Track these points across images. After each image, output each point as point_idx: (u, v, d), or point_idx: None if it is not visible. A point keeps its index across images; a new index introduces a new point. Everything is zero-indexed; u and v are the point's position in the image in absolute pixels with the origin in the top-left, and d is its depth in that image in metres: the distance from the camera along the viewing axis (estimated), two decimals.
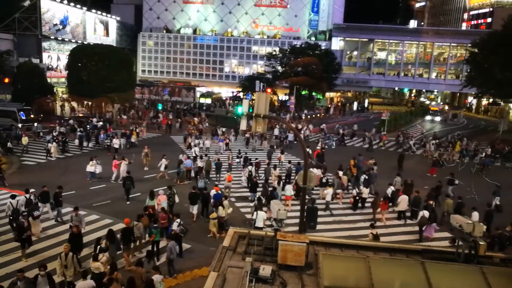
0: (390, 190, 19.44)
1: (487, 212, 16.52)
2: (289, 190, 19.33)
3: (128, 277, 10.73)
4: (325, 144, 33.79)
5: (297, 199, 18.77)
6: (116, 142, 29.03)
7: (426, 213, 16.48)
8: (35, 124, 34.58)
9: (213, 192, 17.97)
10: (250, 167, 22.60)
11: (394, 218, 19.02)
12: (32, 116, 36.71)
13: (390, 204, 19.25)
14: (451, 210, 17.42)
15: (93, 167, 22.13)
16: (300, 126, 40.32)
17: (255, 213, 15.63)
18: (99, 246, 12.38)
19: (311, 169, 20.65)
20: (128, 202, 19.35)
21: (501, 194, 19.85)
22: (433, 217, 16.72)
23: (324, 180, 20.78)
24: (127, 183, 19.44)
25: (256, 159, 25.48)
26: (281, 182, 20.57)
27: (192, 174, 23.47)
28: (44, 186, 17.30)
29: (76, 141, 30.42)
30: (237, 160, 25.96)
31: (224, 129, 38.22)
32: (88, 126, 35.19)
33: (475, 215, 15.91)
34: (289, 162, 24.64)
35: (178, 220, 14.26)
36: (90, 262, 11.69)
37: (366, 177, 21.31)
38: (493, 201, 19.07)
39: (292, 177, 22.13)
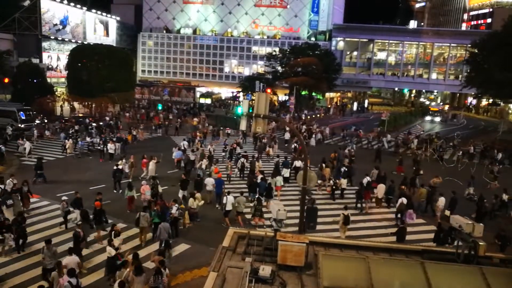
0: (366, 180, 20.62)
1: (452, 199, 18.65)
2: (280, 181, 20.80)
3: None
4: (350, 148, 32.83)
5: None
6: (111, 147, 27.13)
7: (404, 200, 18.16)
8: (55, 122, 36.19)
9: (210, 180, 19.59)
10: (242, 159, 24.52)
11: (393, 218, 19.09)
12: (32, 116, 36.76)
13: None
14: (424, 198, 19.78)
15: (125, 166, 22.56)
16: (313, 128, 39.57)
17: (224, 197, 17.41)
18: (113, 232, 13.25)
19: (295, 161, 24.30)
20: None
21: (474, 184, 21.87)
22: (410, 204, 18.34)
23: None
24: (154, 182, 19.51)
25: (245, 151, 27.58)
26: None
27: (182, 164, 25.09)
28: (77, 192, 16.92)
29: (88, 139, 30.40)
30: (223, 153, 27.71)
31: (229, 131, 37.69)
32: (101, 124, 37.05)
33: (442, 200, 18.63)
34: (277, 156, 27.54)
35: (177, 205, 15.72)
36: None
37: (346, 169, 23.32)
38: (466, 191, 21.33)
39: (281, 170, 23.42)
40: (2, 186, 16.96)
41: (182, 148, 27.41)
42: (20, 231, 13.99)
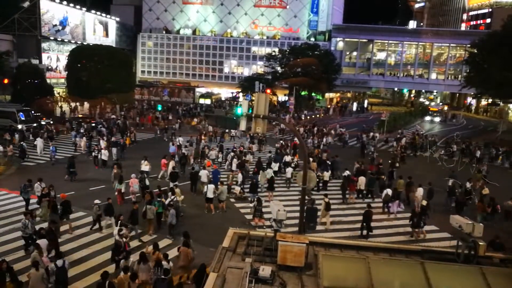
0: (346, 173, 22.40)
1: (429, 190, 20.19)
2: (270, 173, 22.38)
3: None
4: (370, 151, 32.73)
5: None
6: (104, 154, 25.72)
7: (389, 191, 19.75)
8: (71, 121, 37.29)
9: (205, 172, 20.98)
10: (232, 153, 26.29)
11: (394, 218, 19.16)
12: (31, 116, 36.73)
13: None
14: (402, 188, 20.88)
15: (147, 166, 22.78)
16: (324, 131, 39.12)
17: (205, 186, 19.17)
18: (119, 221, 14.17)
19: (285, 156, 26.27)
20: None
21: (455, 177, 22.86)
22: (396, 195, 19.82)
23: (292, 164, 25.18)
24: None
25: (234, 147, 29.06)
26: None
27: (176, 158, 25.78)
28: (108, 198, 16.70)
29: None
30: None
31: (235, 132, 37.00)
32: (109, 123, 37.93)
33: (420, 190, 19.90)
34: (269, 152, 29.75)
35: (172, 196, 17.15)
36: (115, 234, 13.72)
37: (330, 163, 25.48)
38: (448, 183, 22.19)
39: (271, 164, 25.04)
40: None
41: (177, 144, 29.09)
42: (53, 240, 13.34)
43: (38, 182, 18.01)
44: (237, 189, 21.22)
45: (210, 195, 18.57)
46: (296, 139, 30.90)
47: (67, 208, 16.14)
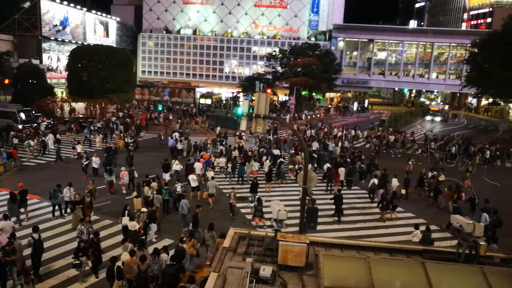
0: (325, 166, 24.09)
1: (405, 179, 22.19)
2: (255, 166, 24.15)
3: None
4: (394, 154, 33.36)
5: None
6: (96, 161, 23.50)
7: (375, 181, 21.26)
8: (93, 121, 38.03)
9: (199, 165, 22.63)
10: (221, 147, 28.42)
11: (395, 218, 19.17)
12: (32, 117, 36.76)
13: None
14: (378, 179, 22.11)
15: (178, 166, 23.45)
16: (337, 133, 38.07)
17: (189, 176, 20.73)
18: (126, 211, 15.21)
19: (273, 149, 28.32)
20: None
21: (437, 169, 24.59)
22: (381, 184, 21.03)
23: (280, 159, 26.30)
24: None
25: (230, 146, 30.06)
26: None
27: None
28: (152, 206, 16.51)
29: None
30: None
31: (247, 136, 35.62)
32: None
33: (394, 181, 21.73)
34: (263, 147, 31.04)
35: (180, 184, 18.55)
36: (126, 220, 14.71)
37: (316, 156, 27.23)
38: (429, 174, 23.66)
39: (263, 159, 26.22)
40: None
41: (174, 138, 30.53)
42: (97, 253, 12.82)
43: (68, 187, 17.64)
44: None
45: (194, 184, 20.27)
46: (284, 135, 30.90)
47: (25, 197, 17.19)
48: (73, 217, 16.38)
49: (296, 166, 25.15)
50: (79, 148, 27.62)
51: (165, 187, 18.60)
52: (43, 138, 29.40)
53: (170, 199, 18.49)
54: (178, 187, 18.30)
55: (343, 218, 18.95)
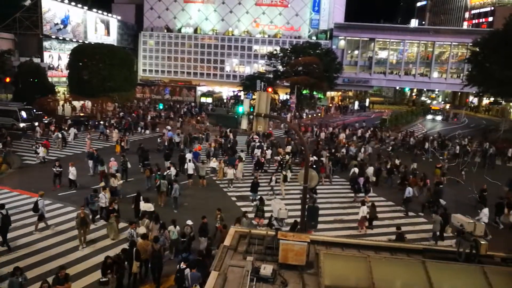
0: (312, 159, 24.54)
1: (377, 169, 24.66)
2: (242, 156, 26.46)
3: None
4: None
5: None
6: (72, 172, 20.57)
7: (356, 170, 22.54)
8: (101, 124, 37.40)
9: (189, 155, 24.13)
10: (239, 154, 28.93)
11: (395, 218, 19.15)
12: (33, 115, 36.75)
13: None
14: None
15: (216, 163, 24.56)
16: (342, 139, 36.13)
17: (186, 164, 23.03)
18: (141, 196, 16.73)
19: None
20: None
21: (417, 161, 27.53)
22: (362, 173, 22.45)
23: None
24: None
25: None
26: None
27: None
28: (204, 217, 14.35)
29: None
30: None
31: (258, 142, 31.34)
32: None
33: (370, 169, 23.82)
34: (254, 140, 31.91)
35: (174, 168, 21.10)
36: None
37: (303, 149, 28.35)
38: (411, 166, 25.87)
39: (254, 152, 27.95)
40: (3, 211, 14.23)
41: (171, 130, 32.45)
42: (121, 270, 11.71)
43: (103, 192, 16.63)
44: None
45: (190, 171, 22.35)
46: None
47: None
48: (108, 229, 15.08)
49: (278, 158, 26.75)
50: (41, 151, 25.57)
51: (158, 172, 20.10)
52: (62, 132, 31.02)
53: (163, 182, 19.19)
54: (173, 171, 20.53)
55: (344, 218, 18.98)
